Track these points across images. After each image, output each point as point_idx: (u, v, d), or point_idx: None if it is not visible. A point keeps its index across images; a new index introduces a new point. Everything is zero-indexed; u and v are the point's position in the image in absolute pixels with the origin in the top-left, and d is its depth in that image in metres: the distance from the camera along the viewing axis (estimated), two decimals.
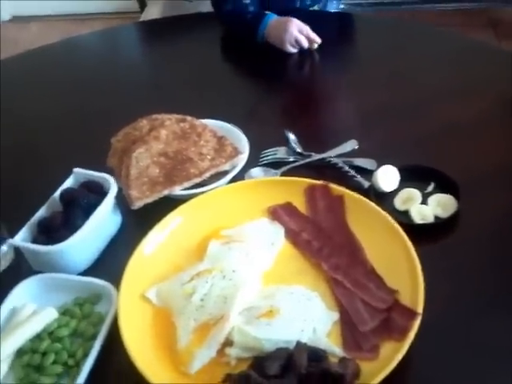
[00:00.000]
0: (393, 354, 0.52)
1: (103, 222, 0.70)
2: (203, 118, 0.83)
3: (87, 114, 0.96)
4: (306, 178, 0.74)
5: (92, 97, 1.01)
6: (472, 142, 0.82)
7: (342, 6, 1.39)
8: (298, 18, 1.07)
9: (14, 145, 0.90)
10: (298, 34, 1.06)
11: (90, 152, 0.83)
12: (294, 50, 1.07)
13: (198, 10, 1.30)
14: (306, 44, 1.06)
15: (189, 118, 0.81)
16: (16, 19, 3.24)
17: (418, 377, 0.55)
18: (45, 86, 1.07)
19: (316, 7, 1.29)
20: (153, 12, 1.48)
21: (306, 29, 1.07)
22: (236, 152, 0.77)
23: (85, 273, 0.67)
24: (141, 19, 1.51)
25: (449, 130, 0.85)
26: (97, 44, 1.24)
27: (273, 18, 1.09)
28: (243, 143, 0.80)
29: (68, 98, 1.02)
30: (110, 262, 0.67)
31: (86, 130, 0.91)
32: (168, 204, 0.70)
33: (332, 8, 1.34)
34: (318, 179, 0.73)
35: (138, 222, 0.72)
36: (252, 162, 0.80)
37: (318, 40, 1.07)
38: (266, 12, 1.11)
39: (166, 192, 0.73)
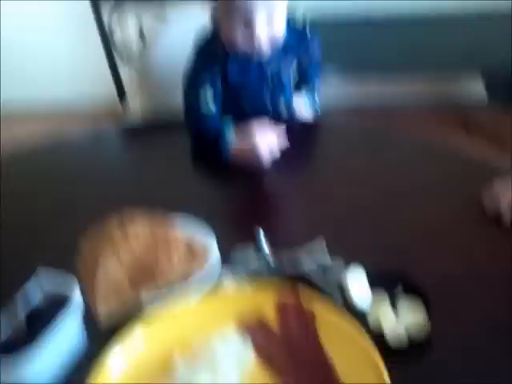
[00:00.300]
0: None
1: (65, 336, 0.67)
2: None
3: (60, 212, 0.96)
4: (275, 281, 0.73)
5: (65, 197, 1.01)
6: (442, 244, 0.83)
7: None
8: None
9: None
10: (268, 151, 1.03)
11: (56, 250, 0.82)
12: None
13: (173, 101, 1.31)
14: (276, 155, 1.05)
15: (161, 218, 0.81)
16: None
17: None
18: (21, 184, 1.07)
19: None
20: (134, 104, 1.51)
21: (273, 141, 1.04)
22: (205, 257, 0.76)
23: None
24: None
25: (421, 233, 0.85)
26: (79, 145, 1.24)
27: (232, 139, 1.06)
28: (213, 244, 0.79)
29: (41, 197, 1.02)
30: (73, 378, 0.64)
31: (56, 227, 0.90)
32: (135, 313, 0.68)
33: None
34: (289, 286, 0.72)
35: (103, 333, 0.69)
36: (221, 261, 0.79)
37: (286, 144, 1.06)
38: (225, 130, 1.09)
39: (133, 300, 0.71)
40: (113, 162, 1.17)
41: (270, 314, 0.70)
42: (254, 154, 1.03)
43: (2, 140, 2.74)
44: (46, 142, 1.19)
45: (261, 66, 1.14)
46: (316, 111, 1.28)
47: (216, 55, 1.13)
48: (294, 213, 0.94)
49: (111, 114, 2.00)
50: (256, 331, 0.69)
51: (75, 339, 0.70)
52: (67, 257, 0.78)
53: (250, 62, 1.13)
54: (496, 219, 0.86)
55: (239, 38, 1.07)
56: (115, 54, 1.59)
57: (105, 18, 1.55)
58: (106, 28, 1.55)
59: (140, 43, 1.55)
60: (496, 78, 2.43)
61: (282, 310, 0.70)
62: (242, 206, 0.97)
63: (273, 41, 1.09)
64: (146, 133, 1.25)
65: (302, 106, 1.24)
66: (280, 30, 1.09)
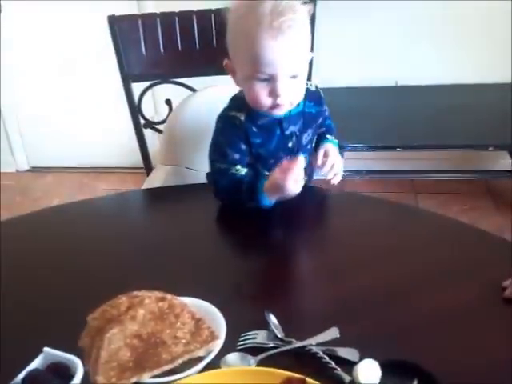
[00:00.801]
0: None
1: None
2: (185, 294, 0.83)
3: (68, 288, 0.95)
4: (284, 366, 0.71)
5: (77, 268, 1.01)
6: (460, 335, 0.79)
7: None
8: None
9: None
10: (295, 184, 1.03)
11: (65, 328, 0.81)
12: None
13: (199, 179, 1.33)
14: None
15: (169, 296, 0.81)
16: (34, 169, 3.41)
17: None
18: (36, 250, 1.08)
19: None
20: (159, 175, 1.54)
21: (299, 172, 1.02)
22: (212, 337, 0.75)
23: None
24: (145, 182, 1.57)
25: (436, 320, 0.82)
26: (98, 209, 1.27)
27: (265, 182, 1.08)
28: (221, 326, 0.78)
29: (53, 265, 1.03)
30: None
31: (65, 303, 0.90)
32: None
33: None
34: (297, 370, 0.70)
35: None
36: (230, 344, 0.77)
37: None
38: (259, 178, 1.11)
39: (134, 379, 0.69)
40: (131, 224, 1.19)
41: None
42: (281, 186, 1.03)
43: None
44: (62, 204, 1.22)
45: (281, 125, 1.15)
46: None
47: (238, 118, 1.14)
48: (308, 297, 0.91)
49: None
50: None
51: None
52: (75, 333, 0.78)
53: (270, 122, 1.14)
54: None
55: (261, 96, 1.06)
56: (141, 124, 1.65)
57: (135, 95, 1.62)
58: (136, 102, 1.62)
59: (168, 112, 1.60)
60: None
61: None
62: (257, 290, 0.95)
63: (295, 99, 1.09)
64: (167, 196, 1.28)
65: (334, 150, 1.20)
66: (302, 87, 1.10)
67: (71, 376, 0.69)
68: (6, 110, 3.17)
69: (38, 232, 1.15)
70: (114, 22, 1.55)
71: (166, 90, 1.68)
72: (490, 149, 2.41)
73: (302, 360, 0.76)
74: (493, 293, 0.87)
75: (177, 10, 1.60)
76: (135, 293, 0.81)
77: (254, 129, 1.14)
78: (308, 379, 0.68)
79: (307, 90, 1.15)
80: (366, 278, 0.93)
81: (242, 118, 1.13)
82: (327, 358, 0.75)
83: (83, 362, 0.72)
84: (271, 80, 1.04)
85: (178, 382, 0.69)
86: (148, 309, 0.78)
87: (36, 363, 0.71)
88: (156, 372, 0.70)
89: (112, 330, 0.74)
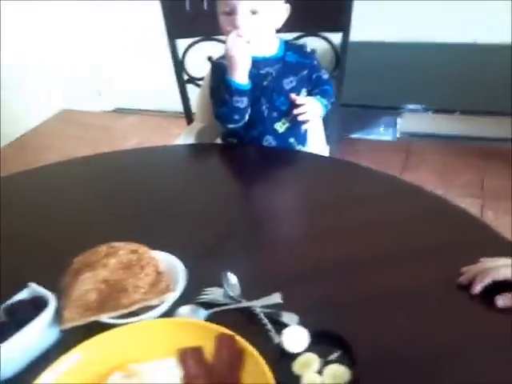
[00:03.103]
0: None
1: (34, 336, 0.79)
2: (162, 248, 0.93)
3: (63, 234, 1.09)
4: (228, 322, 0.78)
5: (80, 213, 1.15)
6: (402, 316, 0.82)
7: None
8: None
9: None
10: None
11: (53, 268, 0.93)
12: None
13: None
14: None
15: (141, 249, 0.91)
16: (118, 110, 3.65)
17: None
18: (47, 197, 1.25)
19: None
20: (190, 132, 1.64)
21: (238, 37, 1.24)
22: (168, 289, 0.84)
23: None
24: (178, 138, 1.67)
25: (384, 298, 0.86)
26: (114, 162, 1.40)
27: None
28: (180, 281, 0.87)
29: (59, 210, 1.18)
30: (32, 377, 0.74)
31: (58, 247, 1.03)
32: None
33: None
34: (237, 327, 0.77)
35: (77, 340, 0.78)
36: (189, 297, 0.86)
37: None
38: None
39: (93, 318, 0.81)
40: (135, 180, 1.31)
41: (211, 344, 0.76)
42: (227, 54, 1.26)
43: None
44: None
45: (258, 72, 1.32)
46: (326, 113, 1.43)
47: (222, 63, 1.33)
48: (270, 262, 0.98)
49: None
50: (189, 358, 0.75)
51: (44, 340, 0.81)
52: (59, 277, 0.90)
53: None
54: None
55: (226, 29, 1.26)
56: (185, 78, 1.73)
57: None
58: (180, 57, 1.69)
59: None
60: None
61: (219, 341, 0.76)
62: (226, 247, 1.02)
63: (254, 35, 1.25)
64: (179, 154, 1.42)
65: (312, 102, 1.37)
66: (263, 26, 1.28)
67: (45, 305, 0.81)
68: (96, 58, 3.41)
69: (41, 183, 1.31)
70: None
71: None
72: None
73: (245, 319, 0.83)
74: (451, 277, 0.88)
75: None
76: (113, 244, 0.92)
77: None
78: (237, 337, 0.76)
79: (292, 43, 1.40)
80: (329, 250, 0.97)
81: (225, 62, 1.31)
82: (266, 319, 0.82)
83: (60, 299, 0.84)
84: (232, 13, 1.24)
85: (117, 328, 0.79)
86: (120, 259, 0.88)
87: (21, 296, 0.84)
88: (113, 314, 0.82)
89: (85, 274, 0.86)
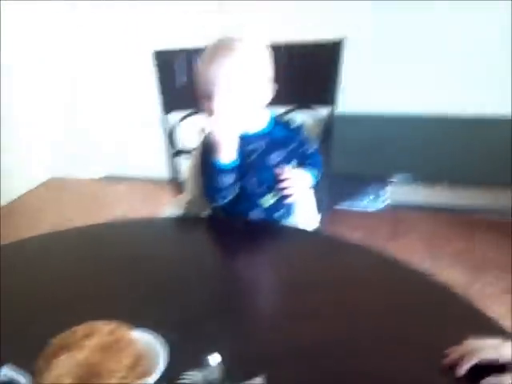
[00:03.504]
0: None
1: None
2: (144, 325, 0.91)
3: (51, 304, 1.07)
4: None
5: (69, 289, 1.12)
6: None
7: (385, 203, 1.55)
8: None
9: None
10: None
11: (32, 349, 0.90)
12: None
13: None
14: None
15: (120, 330, 0.88)
16: (106, 178, 3.67)
17: None
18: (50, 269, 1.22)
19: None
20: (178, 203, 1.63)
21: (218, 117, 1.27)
22: (145, 374, 0.81)
23: None
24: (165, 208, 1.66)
25: (371, 381, 0.83)
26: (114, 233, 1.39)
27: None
28: (160, 363, 0.84)
29: (39, 286, 1.15)
30: None
31: (42, 322, 1.00)
32: None
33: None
34: None
35: None
36: (169, 379, 0.83)
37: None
38: None
39: None
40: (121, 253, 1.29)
41: None
42: (212, 135, 1.29)
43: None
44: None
45: (244, 149, 1.34)
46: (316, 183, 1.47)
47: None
48: (248, 340, 0.95)
49: None
50: None
51: None
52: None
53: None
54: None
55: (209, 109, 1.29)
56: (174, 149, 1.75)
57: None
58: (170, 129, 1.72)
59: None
60: None
61: None
62: (209, 325, 0.99)
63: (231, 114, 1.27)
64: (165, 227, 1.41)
65: (300, 174, 1.41)
66: (251, 104, 1.32)
67: None
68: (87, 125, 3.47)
69: (25, 258, 1.29)
70: (159, 56, 1.68)
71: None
72: None
73: None
74: (435, 358, 0.85)
75: None
76: (94, 322, 0.89)
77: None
78: None
79: (280, 118, 1.44)
80: (315, 329, 0.95)
81: None
82: None
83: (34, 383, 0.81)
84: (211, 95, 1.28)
85: None
86: (97, 340, 0.85)
87: None
88: None
89: (61, 356, 0.82)
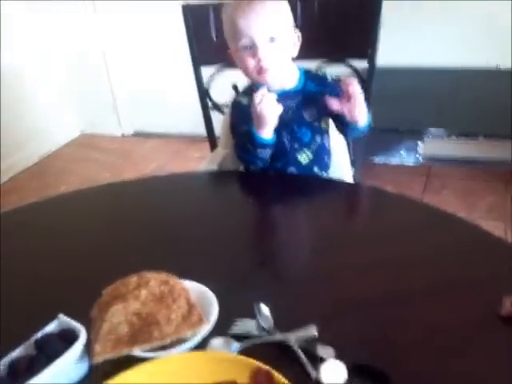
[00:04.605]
0: None
1: (65, 370, 0.78)
2: (192, 278, 0.92)
3: (97, 257, 1.09)
4: (262, 356, 0.76)
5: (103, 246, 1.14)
6: (440, 351, 0.80)
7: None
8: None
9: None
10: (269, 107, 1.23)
11: (83, 299, 0.92)
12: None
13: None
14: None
15: (172, 280, 0.90)
16: (137, 134, 3.68)
17: None
18: (76, 225, 1.24)
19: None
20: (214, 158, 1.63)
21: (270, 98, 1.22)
22: (201, 322, 0.83)
23: None
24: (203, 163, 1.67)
25: (420, 333, 0.83)
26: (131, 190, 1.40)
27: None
28: (213, 312, 0.86)
29: (90, 239, 1.17)
30: None
31: (88, 277, 1.02)
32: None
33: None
34: (272, 361, 0.75)
35: (104, 374, 0.77)
36: (221, 329, 0.85)
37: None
38: None
39: (125, 351, 0.80)
40: (156, 207, 1.29)
41: (245, 379, 0.74)
42: (258, 114, 1.24)
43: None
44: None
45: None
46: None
47: (241, 102, 1.37)
48: (303, 292, 0.95)
49: None
50: None
51: (74, 373, 0.80)
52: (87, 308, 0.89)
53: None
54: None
55: (247, 64, 1.26)
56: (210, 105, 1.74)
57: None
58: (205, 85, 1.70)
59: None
60: None
61: (254, 376, 0.74)
62: (260, 281, 1.00)
63: (276, 62, 1.25)
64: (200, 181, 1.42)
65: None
66: (282, 51, 1.26)
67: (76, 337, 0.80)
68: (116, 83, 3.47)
69: (66, 211, 1.31)
70: (188, 10, 1.65)
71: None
72: None
73: (279, 352, 0.81)
74: (492, 310, 0.85)
75: None
76: (145, 273, 0.91)
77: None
78: (274, 372, 0.74)
79: (312, 72, 1.39)
80: (365, 282, 0.95)
81: (245, 101, 1.35)
82: (301, 353, 0.80)
83: (90, 331, 0.83)
84: (252, 47, 1.23)
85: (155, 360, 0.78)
86: (151, 290, 0.87)
87: (50, 328, 0.83)
88: (146, 347, 0.80)
89: (116, 306, 0.85)
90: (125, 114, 3.65)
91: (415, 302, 0.90)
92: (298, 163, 1.40)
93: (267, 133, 1.29)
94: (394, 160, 2.48)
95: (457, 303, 0.88)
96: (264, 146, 1.31)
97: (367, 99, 1.60)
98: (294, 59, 1.35)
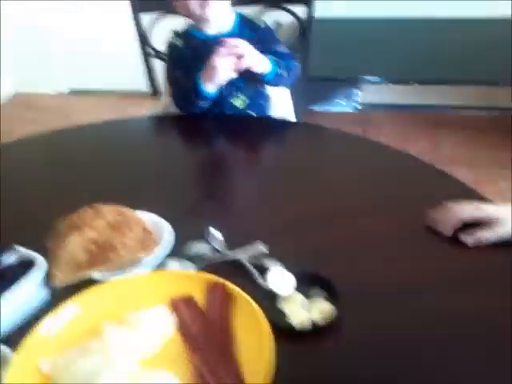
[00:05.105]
0: None
1: (26, 295, 0.81)
2: (148, 209, 0.97)
3: (53, 193, 1.11)
4: (217, 274, 0.82)
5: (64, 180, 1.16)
6: (376, 257, 0.89)
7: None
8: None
9: None
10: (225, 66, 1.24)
11: (39, 230, 0.94)
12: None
13: None
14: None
15: (127, 211, 0.93)
16: (73, 92, 3.58)
17: None
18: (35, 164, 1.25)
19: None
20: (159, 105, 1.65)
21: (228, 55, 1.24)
22: (155, 244, 0.87)
23: None
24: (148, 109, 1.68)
25: (359, 243, 0.92)
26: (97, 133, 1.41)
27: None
28: (168, 237, 0.90)
29: (37, 181, 1.19)
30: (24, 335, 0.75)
31: (43, 209, 1.04)
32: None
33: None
34: (224, 276, 0.81)
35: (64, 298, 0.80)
36: (177, 253, 0.90)
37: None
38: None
39: (84, 275, 0.83)
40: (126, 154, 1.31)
41: (201, 293, 0.80)
42: (212, 68, 1.26)
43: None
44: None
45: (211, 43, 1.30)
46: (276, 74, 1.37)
47: (176, 45, 1.40)
48: (245, 216, 1.02)
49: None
50: (182, 306, 0.79)
51: (36, 294, 0.83)
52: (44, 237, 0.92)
53: (202, 41, 1.35)
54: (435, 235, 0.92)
55: (193, 11, 1.30)
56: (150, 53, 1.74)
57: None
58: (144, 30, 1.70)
59: None
60: None
61: (210, 290, 0.80)
62: (208, 207, 1.06)
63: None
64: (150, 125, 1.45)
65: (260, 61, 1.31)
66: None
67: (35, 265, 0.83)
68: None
69: (37, 153, 1.32)
70: None
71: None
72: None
73: (232, 270, 0.87)
74: (419, 222, 0.94)
75: None
76: (99, 205, 0.94)
77: (189, 50, 1.38)
78: (229, 284, 0.80)
79: (246, 17, 1.41)
80: (307, 204, 1.03)
81: (180, 44, 1.39)
82: (252, 268, 0.86)
83: (48, 260, 0.86)
84: None
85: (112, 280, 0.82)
86: (107, 220, 0.90)
87: (8, 259, 0.85)
88: (104, 269, 0.84)
89: (73, 235, 0.88)
90: (61, 71, 3.53)
91: (357, 217, 0.98)
92: (233, 108, 1.44)
93: (214, 88, 1.32)
94: (334, 108, 2.56)
95: (392, 218, 0.97)
96: (207, 99, 1.34)
97: (306, 47, 1.66)
98: (232, 2, 1.37)
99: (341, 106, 2.52)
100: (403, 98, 2.70)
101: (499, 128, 2.65)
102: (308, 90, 2.10)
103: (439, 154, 2.54)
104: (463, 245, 0.88)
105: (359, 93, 2.49)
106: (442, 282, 0.83)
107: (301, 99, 1.82)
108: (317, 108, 2.51)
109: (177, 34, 1.42)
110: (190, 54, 1.38)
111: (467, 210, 0.89)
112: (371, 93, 2.57)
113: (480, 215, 0.88)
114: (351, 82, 2.40)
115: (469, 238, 0.88)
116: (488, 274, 0.84)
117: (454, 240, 0.90)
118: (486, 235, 0.87)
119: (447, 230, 0.89)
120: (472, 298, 0.80)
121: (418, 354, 0.72)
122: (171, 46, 1.43)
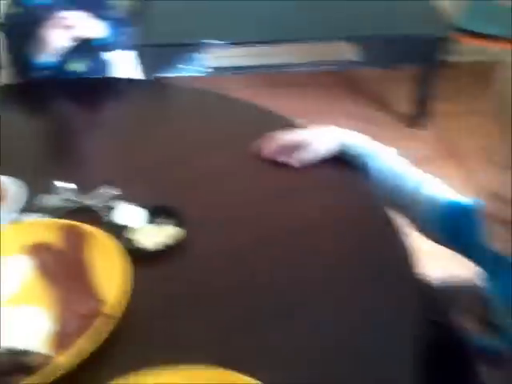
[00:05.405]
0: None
1: None
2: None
3: None
4: (73, 219, 0.89)
5: None
6: (218, 190, 1.02)
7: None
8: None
9: None
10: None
11: None
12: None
13: None
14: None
15: None
16: None
17: None
18: None
19: None
20: None
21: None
22: (5, 199, 0.92)
23: None
24: None
25: (205, 178, 1.04)
26: None
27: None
28: (18, 190, 0.96)
29: None
30: None
31: None
32: None
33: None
34: (79, 221, 0.89)
35: None
36: (30, 207, 0.95)
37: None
38: None
39: None
40: None
41: (58, 237, 0.87)
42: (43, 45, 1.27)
43: None
44: None
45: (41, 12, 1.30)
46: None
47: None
48: (99, 163, 1.10)
49: None
50: (39, 250, 0.86)
51: None
52: None
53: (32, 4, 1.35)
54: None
55: None
56: None
57: None
58: None
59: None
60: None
61: (65, 232, 0.87)
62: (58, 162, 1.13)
63: None
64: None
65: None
66: None
67: None
68: None
69: None
70: None
71: None
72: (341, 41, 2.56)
73: (88, 215, 0.93)
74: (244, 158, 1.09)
75: None
76: None
77: (21, 18, 1.36)
78: (82, 224, 0.87)
79: None
80: (157, 150, 1.13)
81: (13, 12, 1.38)
82: (102, 209, 0.94)
83: None
84: None
85: None
86: None
87: None
88: None
89: None
90: None
91: (207, 157, 1.09)
92: (73, 73, 1.44)
93: (48, 58, 1.32)
94: (180, 73, 2.62)
95: (234, 153, 1.11)
96: (44, 68, 1.34)
97: (144, 12, 1.69)
98: None
99: (187, 70, 2.59)
100: (250, 60, 2.82)
101: (343, 83, 2.91)
102: (152, 57, 2.15)
103: (291, 108, 2.73)
104: (289, 166, 1.04)
105: (205, 56, 2.58)
106: (270, 198, 0.99)
107: (145, 67, 1.86)
108: (163, 74, 2.55)
109: (12, 3, 1.40)
110: (22, 23, 1.36)
111: (286, 136, 1.05)
112: (217, 56, 2.67)
113: (298, 139, 1.04)
114: (195, 46, 2.47)
115: (293, 160, 1.03)
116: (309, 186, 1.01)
117: (282, 164, 1.05)
118: (305, 155, 1.02)
119: (272, 154, 1.04)
120: (299, 205, 0.98)
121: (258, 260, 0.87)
122: (7, 16, 1.41)
